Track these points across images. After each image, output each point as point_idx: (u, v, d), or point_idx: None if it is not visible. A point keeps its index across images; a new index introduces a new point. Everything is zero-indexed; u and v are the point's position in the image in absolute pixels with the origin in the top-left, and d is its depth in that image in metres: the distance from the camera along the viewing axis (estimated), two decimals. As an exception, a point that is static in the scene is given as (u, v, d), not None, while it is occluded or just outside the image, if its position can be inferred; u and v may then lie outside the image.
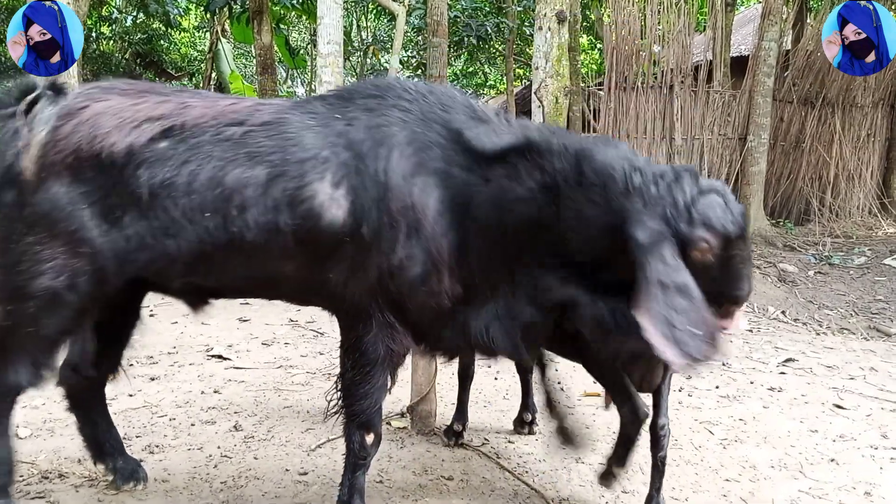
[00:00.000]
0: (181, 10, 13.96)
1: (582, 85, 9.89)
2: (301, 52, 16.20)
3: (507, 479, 2.73)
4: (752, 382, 3.94)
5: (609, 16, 9.04)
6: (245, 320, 5.08)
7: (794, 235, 8.77)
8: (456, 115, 2.12)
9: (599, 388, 2.73)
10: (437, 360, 2.60)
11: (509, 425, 3.22)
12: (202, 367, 4.00)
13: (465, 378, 3.11)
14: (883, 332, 5.33)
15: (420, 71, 13.87)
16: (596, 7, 13.29)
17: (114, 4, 13.78)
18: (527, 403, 3.19)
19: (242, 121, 2.07)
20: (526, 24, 13.03)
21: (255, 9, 9.72)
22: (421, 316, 2.11)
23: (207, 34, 15.70)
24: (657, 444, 2.35)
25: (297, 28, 18.02)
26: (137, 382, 3.61)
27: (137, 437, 2.99)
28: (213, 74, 13.89)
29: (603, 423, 3.28)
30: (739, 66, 9.36)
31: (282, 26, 13.32)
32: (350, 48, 16.07)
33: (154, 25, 13.96)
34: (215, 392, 3.60)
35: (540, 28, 7.12)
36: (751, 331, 5.14)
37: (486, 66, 18.27)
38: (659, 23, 8.56)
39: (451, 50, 12.79)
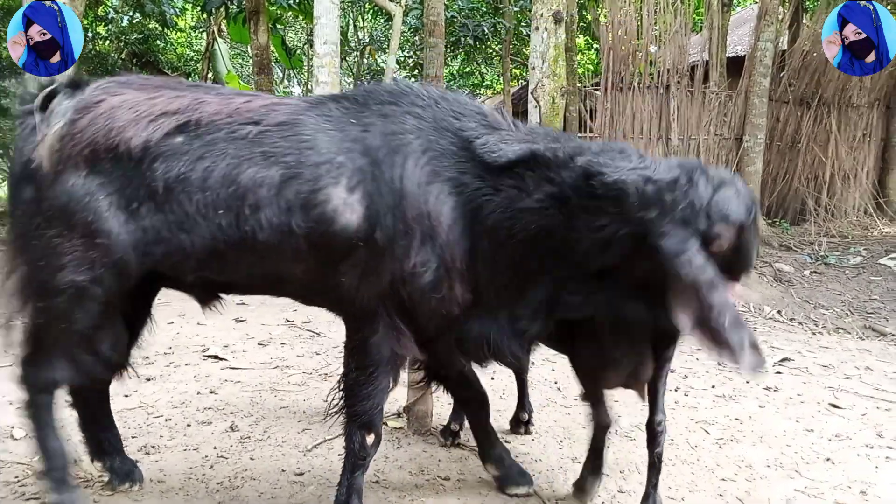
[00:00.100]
0: (177, 9, 13.93)
1: (578, 85, 9.90)
2: (297, 52, 16.18)
3: (503, 479, 2.72)
4: (748, 382, 3.95)
5: (605, 16, 9.05)
6: (241, 320, 5.08)
7: (790, 235, 8.79)
8: (467, 123, 2.15)
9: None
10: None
11: (505, 425, 3.22)
12: (198, 368, 4.00)
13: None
14: (878, 331, 5.34)
15: (417, 71, 13.87)
16: (592, 7, 13.30)
17: (110, 4, 13.74)
18: (523, 403, 3.19)
19: (258, 120, 2.10)
20: (522, 24, 13.06)
21: (251, 9, 9.71)
22: (429, 321, 2.14)
23: (204, 34, 15.66)
24: (654, 440, 2.37)
25: (293, 28, 18.02)
26: (133, 382, 3.59)
27: (133, 437, 2.98)
28: (210, 74, 13.86)
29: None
30: (736, 66, 9.38)
31: (278, 26, 13.33)
32: (347, 48, 16.07)
33: (150, 25, 13.92)
34: (211, 392, 3.59)
35: (536, 28, 7.13)
36: (747, 330, 5.14)
37: (482, 67, 18.29)
38: (655, 23, 8.57)
39: (448, 50, 12.79)
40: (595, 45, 15.49)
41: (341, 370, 2.29)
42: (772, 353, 4.52)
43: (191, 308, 4.73)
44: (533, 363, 3.35)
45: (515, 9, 12.38)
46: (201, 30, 16.57)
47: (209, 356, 4.21)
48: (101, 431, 2.53)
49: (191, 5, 14.25)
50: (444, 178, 2.06)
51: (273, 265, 2.10)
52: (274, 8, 10.76)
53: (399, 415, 3.26)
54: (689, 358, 4.32)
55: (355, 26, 17.39)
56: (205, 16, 13.78)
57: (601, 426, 2.46)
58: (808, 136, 9.53)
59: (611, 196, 1.93)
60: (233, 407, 3.39)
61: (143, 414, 3.25)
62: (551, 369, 4.02)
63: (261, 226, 2.02)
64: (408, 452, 2.93)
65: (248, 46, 12.46)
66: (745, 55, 9.11)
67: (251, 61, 11.51)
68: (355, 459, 2.26)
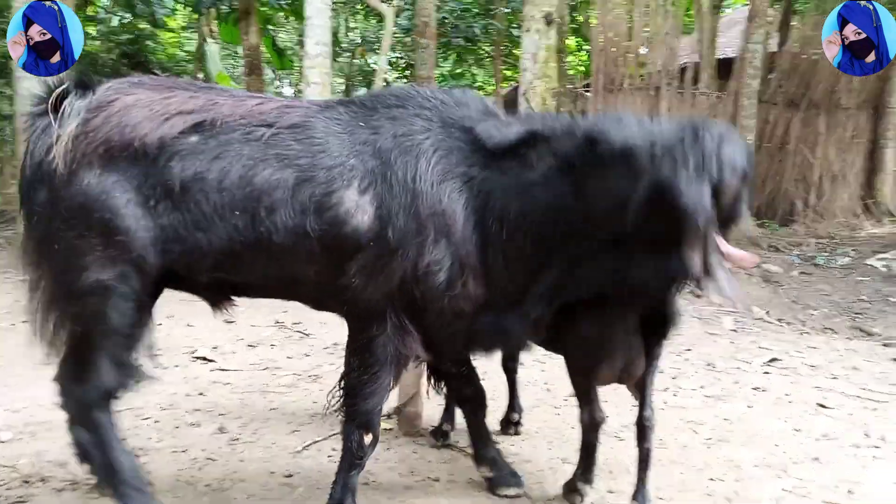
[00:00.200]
0: (168, 10, 13.85)
1: (570, 86, 9.93)
2: (289, 52, 16.15)
3: (493, 480, 2.72)
4: (736, 382, 3.97)
5: (596, 18, 9.08)
6: (230, 322, 5.05)
7: (779, 236, 8.84)
8: (468, 113, 2.23)
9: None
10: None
11: (496, 425, 3.22)
12: (187, 370, 3.98)
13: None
14: (865, 331, 5.37)
15: (408, 72, 13.87)
16: (583, 9, 13.35)
17: (100, 4, 13.66)
18: (513, 404, 3.19)
19: (272, 122, 2.14)
20: (514, 25, 13.07)
21: (242, 9, 9.69)
22: (439, 320, 2.17)
23: (195, 35, 15.60)
24: (643, 435, 2.40)
25: (284, 29, 17.96)
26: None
27: (121, 439, 2.96)
28: (201, 75, 13.80)
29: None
30: (725, 68, 9.44)
31: (269, 27, 13.29)
32: (338, 49, 16.03)
33: (141, 26, 13.84)
34: (200, 394, 3.57)
35: (528, 30, 7.14)
36: (735, 331, 5.17)
37: (474, 68, 18.31)
38: (646, 25, 8.62)
39: (439, 51, 12.81)
40: (586, 47, 15.53)
41: (332, 371, 2.29)
42: (760, 354, 4.55)
43: (179, 310, 4.72)
44: (522, 364, 3.35)
45: (506, 10, 12.41)
46: (192, 30, 16.49)
47: (198, 358, 4.18)
48: None
49: (182, 6, 14.18)
50: (455, 174, 2.12)
51: (288, 266, 2.14)
52: (265, 8, 10.74)
53: (389, 416, 3.26)
54: (678, 359, 4.34)
55: (347, 27, 17.36)
56: (196, 16, 13.72)
57: (593, 424, 2.46)
58: (797, 137, 9.60)
59: (620, 159, 1.97)
60: (222, 409, 3.38)
61: (131, 416, 3.23)
62: (541, 370, 4.03)
63: (276, 227, 2.06)
64: (398, 454, 2.93)
65: (240, 47, 12.42)
66: (734, 57, 9.16)
67: (242, 62, 11.47)
68: (352, 459, 2.27)
